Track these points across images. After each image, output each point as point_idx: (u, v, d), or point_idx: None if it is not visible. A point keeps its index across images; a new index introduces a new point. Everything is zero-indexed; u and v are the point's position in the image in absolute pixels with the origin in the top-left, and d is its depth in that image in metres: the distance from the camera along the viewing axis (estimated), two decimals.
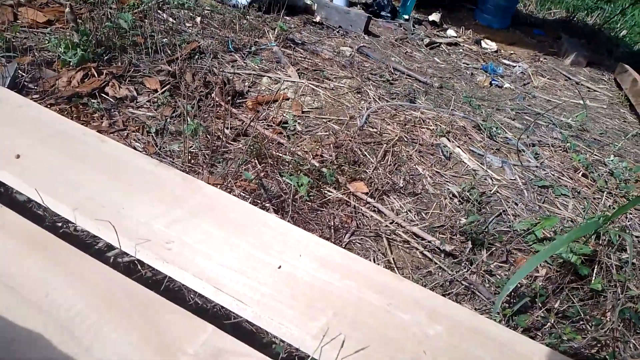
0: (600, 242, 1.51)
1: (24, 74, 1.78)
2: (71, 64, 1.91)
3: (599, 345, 1.19)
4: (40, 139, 1.25)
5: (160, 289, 1.04)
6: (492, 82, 3.26)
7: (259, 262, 1.04)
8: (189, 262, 1.00)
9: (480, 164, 2.08)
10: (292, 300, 0.97)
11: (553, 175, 2.10)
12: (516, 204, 1.83)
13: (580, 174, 2.15)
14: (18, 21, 2.16)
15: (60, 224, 1.18)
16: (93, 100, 1.75)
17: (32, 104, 1.43)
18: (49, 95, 1.70)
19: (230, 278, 0.98)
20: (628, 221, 1.83)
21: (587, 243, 1.46)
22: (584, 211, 1.85)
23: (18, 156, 1.16)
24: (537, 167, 2.14)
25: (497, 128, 2.42)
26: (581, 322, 1.25)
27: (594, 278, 1.37)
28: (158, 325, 0.87)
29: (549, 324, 1.26)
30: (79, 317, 0.84)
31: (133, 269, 1.11)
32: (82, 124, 1.59)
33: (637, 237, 1.74)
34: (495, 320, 1.17)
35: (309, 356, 0.88)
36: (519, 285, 1.40)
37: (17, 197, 1.21)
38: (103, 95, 1.84)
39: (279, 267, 1.03)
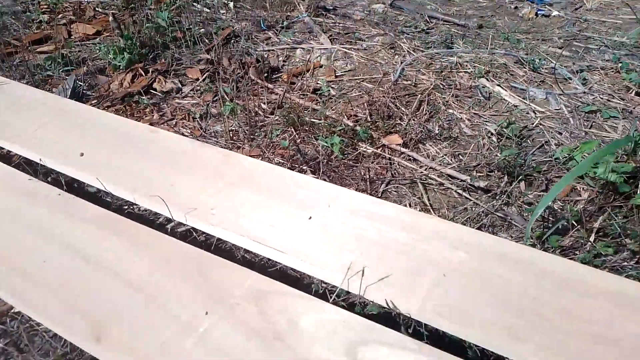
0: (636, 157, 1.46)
1: (81, 83, 2.01)
2: (120, 67, 2.11)
3: (637, 257, 1.19)
4: (99, 138, 1.44)
5: (212, 249, 1.19)
6: (538, 12, 3.10)
7: (293, 217, 1.15)
8: (231, 223, 1.14)
9: (523, 98, 2.04)
10: (324, 245, 1.08)
11: (602, 98, 2.01)
12: (560, 133, 1.79)
13: (633, 92, 2.04)
14: (72, 37, 2.41)
15: (126, 207, 1.37)
16: (143, 97, 1.94)
17: (90, 109, 1.63)
18: (105, 99, 1.91)
19: (268, 232, 1.11)
20: None
21: (629, 161, 1.42)
22: (635, 131, 1.77)
23: (82, 154, 1.35)
24: (584, 92, 2.06)
25: (541, 59, 2.33)
26: (621, 238, 1.25)
27: (636, 194, 1.34)
28: (210, 276, 1.01)
29: (589, 243, 1.27)
30: (145, 276, 1.01)
31: (189, 236, 1.28)
32: (135, 119, 1.79)
33: None
34: (525, 244, 1.20)
35: (338, 288, 0.99)
36: (559, 210, 1.41)
37: (89, 189, 1.42)
38: (152, 91, 2.03)
39: (310, 218, 1.14)
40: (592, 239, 1.28)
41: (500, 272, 0.98)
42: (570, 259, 1.21)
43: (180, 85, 2.07)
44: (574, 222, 1.29)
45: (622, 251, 1.22)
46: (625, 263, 1.19)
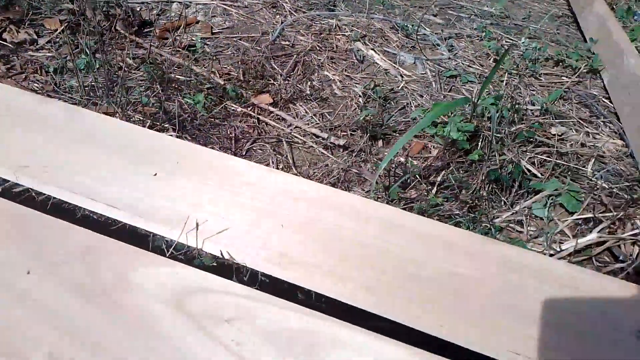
0: (484, 119, 1.60)
1: None
2: None
3: (467, 206, 1.32)
4: None
5: (48, 208, 1.13)
6: None
7: (137, 174, 1.12)
8: (66, 180, 1.08)
9: (393, 62, 2.13)
10: (165, 201, 1.06)
11: (463, 64, 2.16)
12: (421, 96, 1.90)
13: (492, 59, 2.21)
14: None
15: None
16: None
17: None
18: None
19: (106, 189, 1.07)
20: (530, 96, 1.93)
21: (472, 121, 1.55)
22: (487, 94, 1.93)
23: None
24: (449, 58, 2.19)
25: (414, 26, 2.43)
26: (456, 191, 1.37)
27: (474, 151, 1.47)
28: (36, 236, 0.96)
29: (430, 196, 1.38)
30: None
31: (24, 195, 1.19)
32: None
33: (533, 109, 1.84)
34: (372, 198, 1.28)
35: (175, 242, 0.99)
36: (409, 166, 1.50)
37: None
38: (1, 42, 1.83)
39: (155, 174, 1.12)
40: (434, 191, 1.40)
41: (334, 221, 1.04)
42: (410, 208, 1.31)
43: (35, 37, 1.88)
44: (418, 176, 1.39)
45: (455, 201, 1.34)
46: (457, 212, 1.31)
